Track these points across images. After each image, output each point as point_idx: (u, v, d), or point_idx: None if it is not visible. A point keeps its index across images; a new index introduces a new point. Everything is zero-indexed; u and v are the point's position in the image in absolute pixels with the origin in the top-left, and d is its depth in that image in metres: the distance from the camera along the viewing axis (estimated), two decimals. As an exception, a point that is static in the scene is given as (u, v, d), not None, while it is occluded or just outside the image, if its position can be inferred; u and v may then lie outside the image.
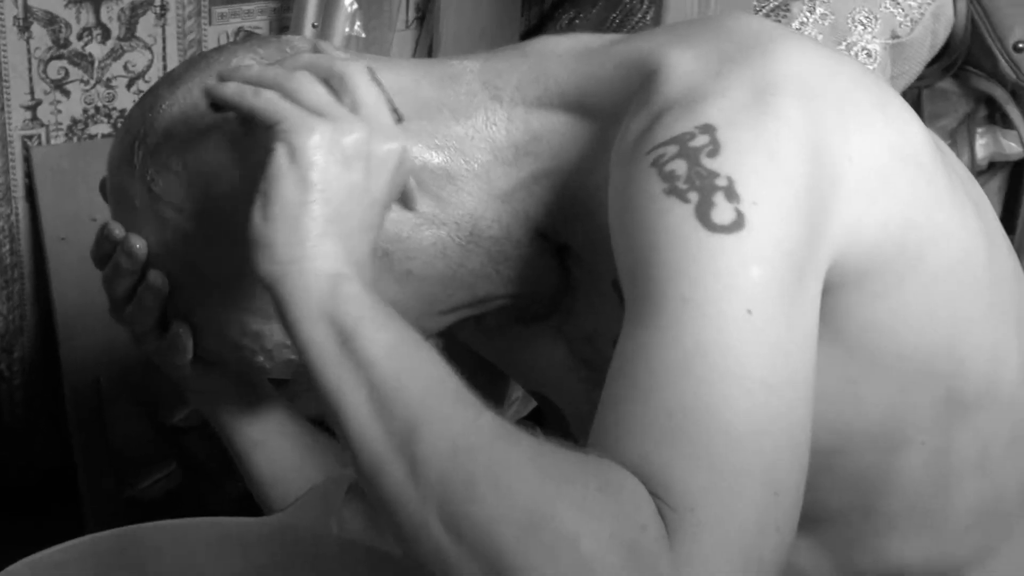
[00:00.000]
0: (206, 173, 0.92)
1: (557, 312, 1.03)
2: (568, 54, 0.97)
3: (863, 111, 0.89)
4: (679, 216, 0.80)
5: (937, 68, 1.83)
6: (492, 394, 1.22)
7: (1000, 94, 1.83)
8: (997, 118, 1.88)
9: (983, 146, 1.88)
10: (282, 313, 0.83)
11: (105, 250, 0.98)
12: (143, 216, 0.95)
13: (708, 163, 0.81)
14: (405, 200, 0.92)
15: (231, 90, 0.88)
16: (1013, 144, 1.89)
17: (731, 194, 0.80)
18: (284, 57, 0.93)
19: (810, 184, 0.83)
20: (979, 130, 1.87)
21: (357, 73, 0.89)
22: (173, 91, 0.96)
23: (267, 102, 0.86)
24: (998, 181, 2.02)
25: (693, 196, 0.81)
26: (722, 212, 0.80)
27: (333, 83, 0.88)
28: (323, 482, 1.11)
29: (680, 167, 0.82)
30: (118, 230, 0.96)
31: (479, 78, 0.97)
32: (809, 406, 0.81)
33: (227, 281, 0.95)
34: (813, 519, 0.93)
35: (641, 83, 0.90)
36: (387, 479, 0.78)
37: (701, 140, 0.82)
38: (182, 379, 1.05)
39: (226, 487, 1.69)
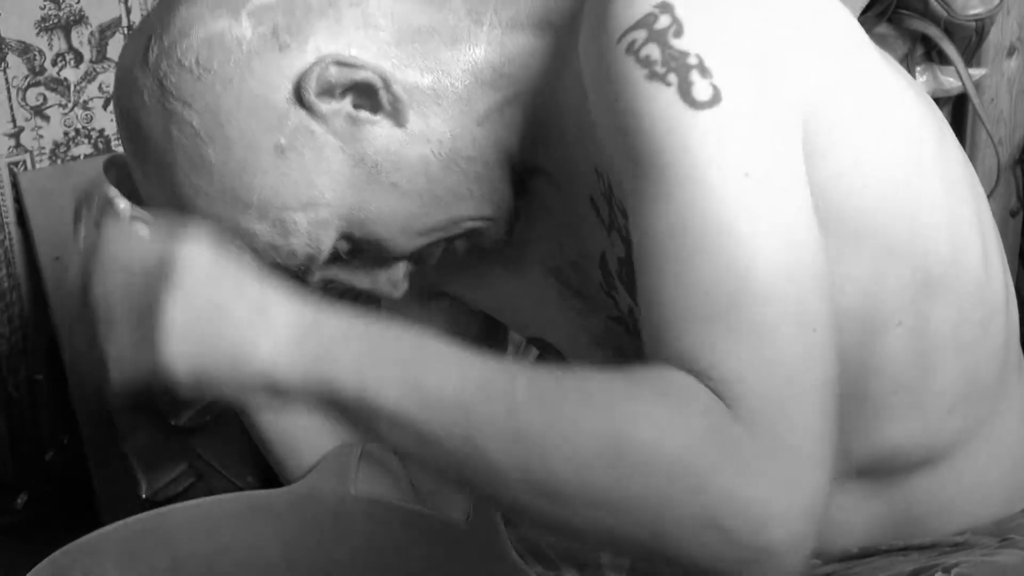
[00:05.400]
0: (215, 72, 0.95)
1: (512, 239, 1.06)
2: None
3: None
4: (665, 100, 0.86)
5: (872, 14, 1.88)
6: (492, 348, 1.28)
7: (934, 32, 1.88)
8: (934, 55, 1.93)
9: (923, 83, 1.91)
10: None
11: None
12: (151, 110, 0.97)
13: (677, 43, 0.87)
14: (397, 117, 0.97)
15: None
16: (951, 79, 1.94)
17: (703, 70, 0.86)
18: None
19: (764, 43, 0.89)
20: (918, 68, 1.92)
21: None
22: (189, 3, 0.98)
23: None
24: (942, 119, 2.08)
25: (672, 78, 0.86)
26: (701, 89, 0.85)
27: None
28: (336, 449, 1.17)
29: (654, 51, 0.87)
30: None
31: (464, 5, 1.01)
32: (816, 235, 0.86)
33: (222, 177, 0.97)
34: None
35: None
36: (504, 496, 0.82)
37: (664, 21, 0.87)
38: None
39: (237, 482, 1.74)
